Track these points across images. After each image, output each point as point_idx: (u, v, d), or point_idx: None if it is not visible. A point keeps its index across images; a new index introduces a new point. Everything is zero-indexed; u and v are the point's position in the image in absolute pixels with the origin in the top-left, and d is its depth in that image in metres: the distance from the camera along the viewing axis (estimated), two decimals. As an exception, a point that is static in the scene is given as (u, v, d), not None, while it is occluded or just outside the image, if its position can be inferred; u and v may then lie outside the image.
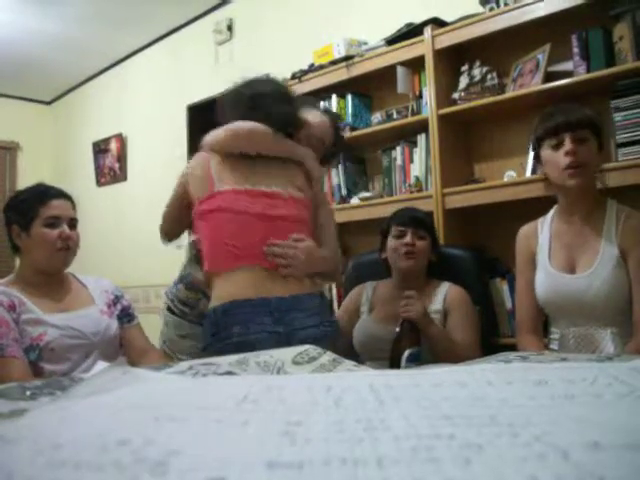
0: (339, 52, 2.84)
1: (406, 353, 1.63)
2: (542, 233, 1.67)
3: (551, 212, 1.70)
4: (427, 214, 2.09)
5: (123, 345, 1.73)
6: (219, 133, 1.63)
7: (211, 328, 1.49)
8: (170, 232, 1.81)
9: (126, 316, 1.76)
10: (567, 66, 2.26)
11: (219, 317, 1.47)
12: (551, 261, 1.61)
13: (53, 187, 1.68)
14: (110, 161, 5.03)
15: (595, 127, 1.56)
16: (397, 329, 1.71)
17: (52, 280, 1.63)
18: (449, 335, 1.80)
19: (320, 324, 1.53)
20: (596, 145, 1.56)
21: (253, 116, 1.62)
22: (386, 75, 2.68)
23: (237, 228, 1.53)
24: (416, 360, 1.61)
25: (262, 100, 1.64)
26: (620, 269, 1.51)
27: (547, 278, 1.60)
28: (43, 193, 1.63)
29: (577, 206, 1.60)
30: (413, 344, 1.65)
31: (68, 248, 1.62)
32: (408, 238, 1.88)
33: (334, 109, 2.94)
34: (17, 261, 1.74)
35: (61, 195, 1.66)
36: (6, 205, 1.67)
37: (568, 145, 1.53)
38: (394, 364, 1.64)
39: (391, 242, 1.93)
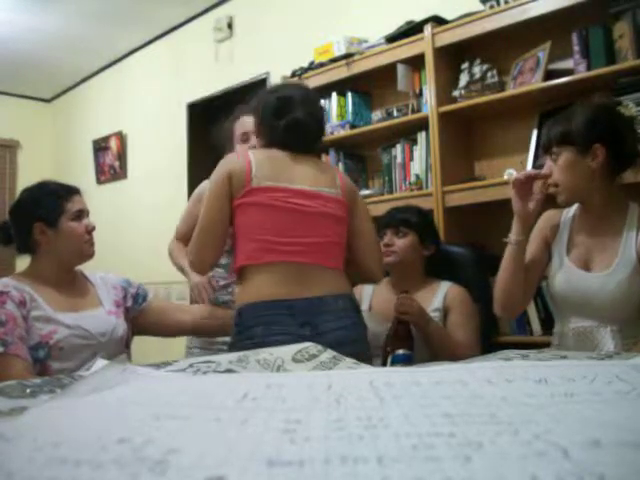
0: (339, 50, 2.84)
1: (393, 354, 1.63)
2: (563, 223, 1.66)
3: (575, 205, 1.66)
4: (422, 211, 2.08)
5: (155, 323, 1.75)
6: None
7: (236, 327, 1.50)
8: (209, 257, 1.58)
9: (139, 296, 1.76)
10: (567, 64, 2.25)
11: (243, 316, 1.48)
12: (569, 254, 1.61)
13: (61, 182, 1.70)
14: (110, 159, 5.03)
15: (570, 140, 1.51)
16: (388, 330, 1.71)
17: (67, 278, 1.63)
18: (448, 333, 1.81)
19: (347, 326, 1.50)
20: (571, 159, 1.52)
21: (279, 121, 1.59)
22: (386, 73, 2.68)
23: (274, 223, 1.51)
24: (402, 363, 1.60)
25: (289, 104, 1.60)
26: (637, 274, 1.49)
27: (564, 271, 1.59)
28: (64, 188, 1.65)
29: (591, 212, 1.59)
30: (402, 347, 1.65)
31: (92, 238, 1.66)
32: (386, 238, 1.93)
33: (334, 107, 2.94)
34: (16, 262, 1.73)
35: (77, 190, 1.68)
36: (19, 205, 1.64)
37: (546, 167, 1.57)
38: (384, 364, 1.65)
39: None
